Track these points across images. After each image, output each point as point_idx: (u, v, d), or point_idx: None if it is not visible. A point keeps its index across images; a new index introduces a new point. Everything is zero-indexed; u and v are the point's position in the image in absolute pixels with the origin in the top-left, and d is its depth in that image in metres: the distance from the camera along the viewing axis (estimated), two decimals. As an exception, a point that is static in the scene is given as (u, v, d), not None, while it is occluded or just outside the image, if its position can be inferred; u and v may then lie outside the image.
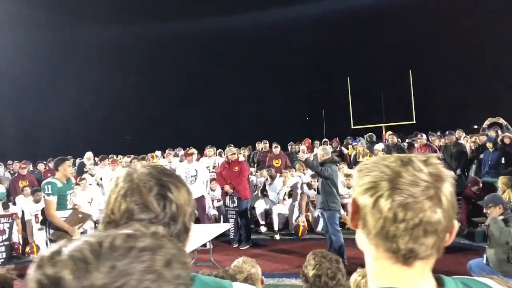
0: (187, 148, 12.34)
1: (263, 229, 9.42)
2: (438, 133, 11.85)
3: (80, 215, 5.70)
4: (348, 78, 22.83)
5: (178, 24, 30.00)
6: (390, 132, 11.62)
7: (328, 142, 12.24)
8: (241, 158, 8.89)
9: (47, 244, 8.12)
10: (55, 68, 27.03)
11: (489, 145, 8.68)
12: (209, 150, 11.40)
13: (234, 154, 8.45)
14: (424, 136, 9.98)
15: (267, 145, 12.12)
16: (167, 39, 30.03)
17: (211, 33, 29.97)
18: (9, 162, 13.41)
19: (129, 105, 29.30)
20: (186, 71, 31.14)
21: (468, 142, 9.99)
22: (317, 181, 7.55)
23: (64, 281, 0.52)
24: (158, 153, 11.15)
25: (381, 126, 21.05)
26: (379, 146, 10.80)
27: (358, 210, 0.99)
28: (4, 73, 23.72)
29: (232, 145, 10.91)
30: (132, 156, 11.10)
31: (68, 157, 6.32)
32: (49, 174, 10.76)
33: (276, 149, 11.03)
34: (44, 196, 5.56)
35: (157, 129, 29.59)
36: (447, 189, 0.93)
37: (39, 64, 25.65)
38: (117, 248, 0.55)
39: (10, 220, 8.29)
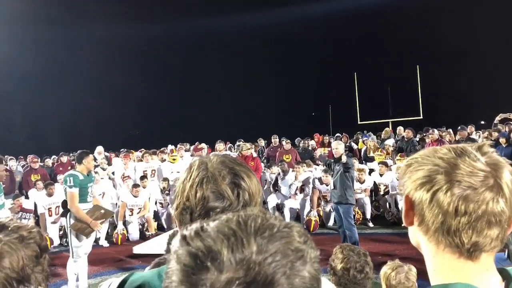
0: (197, 143, 12.41)
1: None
2: (450, 130, 11.81)
3: (102, 211, 5.78)
4: (355, 73, 22.75)
5: (187, 21, 30.05)
6: (400, 127, 11.59)
7: (340, 137, 12.22)
8: (255, 154, 8.93)
9: (64, 236, 8.19)
10: (64, 63, 27.11)
11: (502, 140, 8.65)
12: (219, 145, 11.42)
13: (249, 149, 8.49)
14: (436, 131, 9.96)
15: (277, 140, 12.11)
16: (174, 36, 30.07)
17: (220, 30, 29.98)
18: (20, 156, 13.49)
19: (136, 100, 29.37)
20: (194, 66, 31.13)
21: (480, 137, 9.96)
22: (331, 176, 7.57)
23: (219, 253, 0.53)
24: (170, 147, 11.15)
25: (388, 122, 20.99)
26: (390, 141, 10.78)
27: (412, 206, 0.96)
28: (14, 68, 23.80)
29: (242, 140, 10.95)
30: (144, 150, 11.12)
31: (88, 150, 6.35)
32: (60, 168, 10.84)
33: (287, 145, 11.04)
34: (66, 188, 5.60)
35: (164, 124, 29.67)
36: (507, 176, 0.90)
37: (48, 59, 25.71)
38: (261, 226, 0.56)
39: (30, 215, 8.45)
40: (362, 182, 8.89)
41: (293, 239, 0.57)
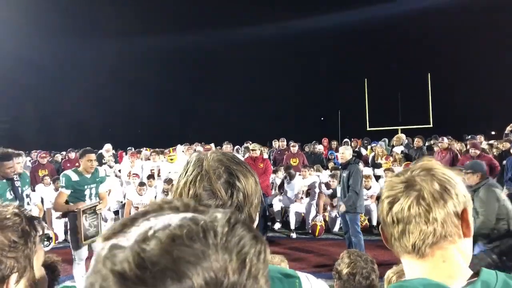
0: (199, 143, 12.44)
1: (277, 225, 9.41)
2: (467, 137, 11.70)
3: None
4: (366, 79, 22.65)
5: (204, 31, 30.33)
6: (402, 135, 11.53)
7: (349, 143, 12.17)
8: (266, 155, 8.87)
9: (65, 233, 8.22)
10: (74, 62, 27.35)
11: (513, 151, 8.56)
12: (226, 146, 11.40)
13: (256, 150, 8.44)
14: (445, 139, 9.86)
15: (284, 143, 12.08)
16: (184, 40, 30.26)
17: (234, 37, 30.17)
18: (33, 151, 13.61)
19: (147, 99, 29.55)
20: (205, 69, 31.31)
21: (493, 148, 9.81)
22: (339, 183, 7.52)
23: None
24: (180, 147, 11.16)
25: (397, 129, 20.87)
26: (398, 149, 10.70)
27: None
28: (26, 64, 24.03)
29: (250, 142, 10.93)
30: (152, 149, 11.15)
31: (90, 149, 5.90)
32: (68, 164, 10.90)
33: (294, 148, 11.00)
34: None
35: (172, 124, 29.79)
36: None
37: (59, 57, 25.95)
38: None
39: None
40: (368, 189, 8.82)
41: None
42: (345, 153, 6.82)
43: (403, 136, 11.73)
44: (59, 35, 25.94)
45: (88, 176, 5.48)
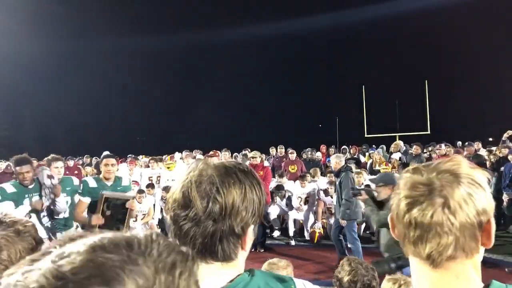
0: (198, 151, 12.42)
1: (276, 233, 9.41)
2: (459, 143, 11.73)
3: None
4: (363, 86, 22.74)
5: (195, 32, 30.32)
6: (400, 142, 11.56)
7: (348, 149, 12.19)
8: (266, 163, 8.87)
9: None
10: (74, 69, 27.37)
11: (511, 157, 8.58)
12: (224, 154, 11.41)
13: (256, 158, 8.45)
14: (443, 146, 9.90)
15: (283, 150, 12.08)
16: (179, 45, 30.31)
17: (229, 40, 30.19)
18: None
19: (146, 106, 29.57)
20: (200, 76, 31.33)
21: (491, 154, 9.83)
22: (334, 191, 7.54)
23: None
24: (178, 155, 11.16)
25: (395, 136, 20.92)
26: (396, 156, 10.73)
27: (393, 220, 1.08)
28: (26, 72, 24.04)
29: (249, 150, 10.94)
30: (151, 157, 11.15)
31: (109, 153, 5.53)
32: (67, 172, 10.88)
33: (292, 155, 11.00)
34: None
35: (170, 132, 29.76)
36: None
37: (59, 64, 25.97)
38: None
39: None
40: (360, 185, 8.88)
41: None
42: (337, 161, 6.90)
43: (401, 143, 11.77)
44: (53, 39, 25.91)
45: (109, 183, 5.02)
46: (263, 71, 29.80)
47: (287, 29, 30.44)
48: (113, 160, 5.07)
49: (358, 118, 22.89)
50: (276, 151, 12.25)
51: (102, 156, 5.42)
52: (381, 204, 4.79)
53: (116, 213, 4.76)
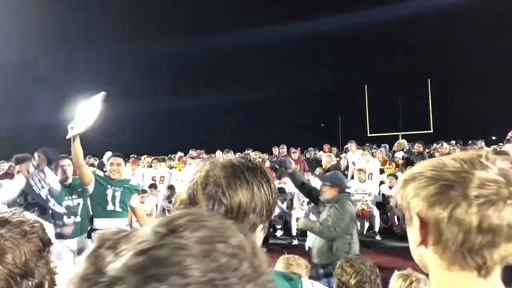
0: (201, 150, 12.42)
1: (279, 233, 9.39)
2: (460, 141, 11.69)
3: None
4: (366, 85, 22.71)
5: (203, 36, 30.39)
6: (404, 141, 11.52)
7: (349, 149, 12.14)
8: (267, 164, 8.84)
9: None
10: (74, 64, 27.41)
11: (514, 156, 8.53)
12: (227, 155, 11.41)
13: (261, 158, 8.45)
14: (446, 144, 9.86)
15: (285, 149, 12.04)
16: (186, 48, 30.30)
17: (230, 43, 30.20)
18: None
19: (147, 106, 29.57)
20: (203, 75, 31.36)
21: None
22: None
23: None
24: (180, 154, 11.16)
25: (398, 135, 20.89)
26: (399, 154, 10.69)
27: (424, 225, 0.92)
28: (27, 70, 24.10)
29: (251, 149, 10.92)
30: (153, 157, 11.13)
31: (118, 153, 5.19)
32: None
33: (295, 154, 10.98)
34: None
35: (171, 132, 29.76)
36: None
37: (58, 57, 26.02)
38: None
39: None
40: (362, 182, 8.90)
41: None
42: (327, 160, 6.99)
43: (404, 141, 11.71)
44: (56, 42, 25.99)
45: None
46: (264, 71, 29.81)
47: (291, 30, 30.44)
48: (119, 160, 4.88)
49: (361, 117, 22.88)
50: (279, 151, 12.23)
51: (109, 156, 5.35)
52: (317, 200, 4.69)
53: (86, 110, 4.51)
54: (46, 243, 1.02)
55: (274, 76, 30.39)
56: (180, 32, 30.08)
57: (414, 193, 0.93)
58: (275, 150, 12.51)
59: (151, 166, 10.47)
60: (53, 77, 25.97)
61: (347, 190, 5.02)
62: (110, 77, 27.28)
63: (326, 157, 7.38)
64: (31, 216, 1.02)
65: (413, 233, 0.94)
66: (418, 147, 10.26)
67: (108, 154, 11.41)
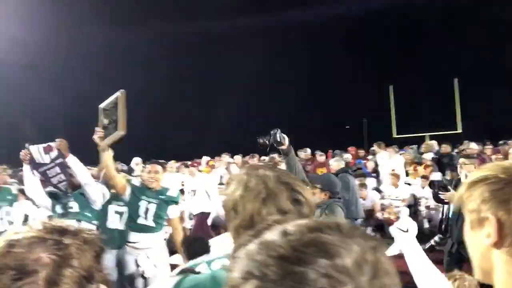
0: (227, 154, 12.44)
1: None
2: (489, 142, 11.43)
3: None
4: (391, 86, 22.43)
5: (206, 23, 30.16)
6: (433, 142, 11.31)
7: (374, 151, 12.03)
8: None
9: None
10: (101, 73, 27.84)
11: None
12: (252, 159, 11.41)
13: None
14: (475, 145, 9.64)
15: (308, 153, 12.00)
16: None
17: (249, 43, 30.14)
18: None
19: (173, 110, 29.77)
20: (219, 78, 31.38)
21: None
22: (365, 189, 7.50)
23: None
24: (205, 159, 11.22)
25: (425, 136, 20.55)
26: (428, 156, 10.51)
27: (502, 227, 0.92)
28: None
29: (277, 154, 10.87)
30: (180, 162, 11.23)
31: (156, 160, 4.91)
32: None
33: (321, 157, 10.94)
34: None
35: (197, 136, 29.89)
36: None
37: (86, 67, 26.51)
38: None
39: None
40: (396, 187, 8.84)
41: None
42: (333, 164, 7.01)
43: (433, 142, 11.52)
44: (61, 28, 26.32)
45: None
46: (287, 71, 29.66)
47: (313, 27, 30.18)
48: (157, 167, 4.59)
49: (386, 118, 22.59)
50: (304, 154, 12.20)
51: (138, 161, 5.40)
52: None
53: (111, 115, 4.18)
54: (101, 250, 1.06)
55: (293, 77, 30.20)
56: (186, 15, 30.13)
57: (488, 194, 0.93)
58: (301, 153, 12.47)
59: (177, 171, 10.56)
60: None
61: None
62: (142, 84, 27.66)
63: (334, 161, 7.33)
64: (72, 223, 1.08)
65: (482, 235, 0.95)
66: (445, 148, 10.10)
67: (137, 159, 11.53)
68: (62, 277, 0.92)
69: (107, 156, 4.18)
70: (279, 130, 3.69)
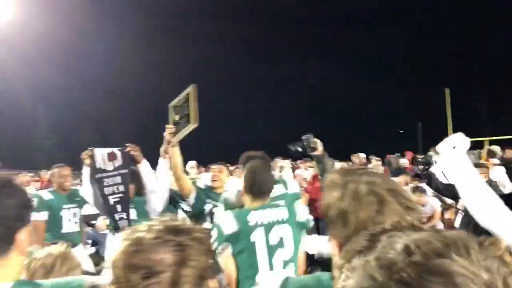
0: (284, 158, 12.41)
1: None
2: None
3: None
4: (448, 89, 21.67)
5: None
6: (496, 147, 10.77)
7: (432, 156, 11.61)
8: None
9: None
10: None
11: None
12: (305, 164, 11.34)
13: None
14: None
15: (362, 158, 11.77)
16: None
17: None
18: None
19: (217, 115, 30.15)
20: (280, 78, 31.42)
21: None
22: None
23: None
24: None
25: (483, 140, 19.67)
26: (496, 161, 10.03)
27: None
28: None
29: (332, 159, 10.77)
30: (236, 165, 11.31)
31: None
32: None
33: (378, 162, 10.73)
34: None
35: (242, 139, 30.08)
36: None
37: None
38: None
39: None
40: None
41: None
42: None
43: (497, 148, 10.98)
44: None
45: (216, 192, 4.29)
46: (342, 77, 29.36)
47: (366, 33, 29.83)
48: (222, 167, 4.39)
49: (442, 122, 21.84)
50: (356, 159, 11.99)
51: (193, 165, 5.15)
52: None
53: (183, 110, 3.96)
54: (212, 248, 1.12)
55: (350, 82, 29.85)
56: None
57: None
58: (355, 158, 12.27)
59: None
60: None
61: None
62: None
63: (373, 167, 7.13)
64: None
65: None
66: (509, 153, 9.59)
67: (192, 163, 11.67)
68: (183, 277, 0.97)
69: (176, 153, 3.89)
70: (311, 135, 3.42)
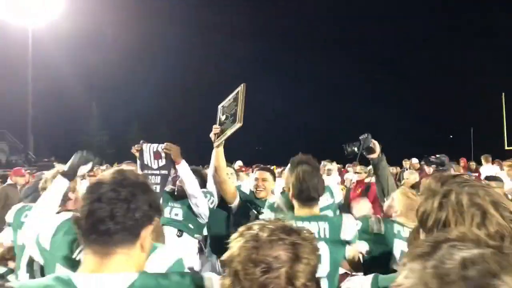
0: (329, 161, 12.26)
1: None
2: None
3: None
4: (503, 93, 20.80)
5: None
6: None
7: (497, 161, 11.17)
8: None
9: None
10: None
11: None
12: (354, 168, 11.13)
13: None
14: None
15: (416, 163, 11.45)
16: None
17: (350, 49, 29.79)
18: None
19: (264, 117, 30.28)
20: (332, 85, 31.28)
21: None
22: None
23: None
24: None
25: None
26: None
27: None
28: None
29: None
30: (282, 167, 11.28)
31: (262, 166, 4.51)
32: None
33: (429, 169, 10.35)
34: None
35: (286, 141, 30.06)
36: None
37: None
38: None
39: None
40: None
41: None
42: (412, 177, 6.59)
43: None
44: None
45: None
46: (388, 76, 28.83)
47: (417, 41, 29.19)
48: (265, 174, 3.95)
49: (496, 128, 20.98)
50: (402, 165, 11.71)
51: (239, 165, 4.91)
52: None
53: (230, 110, 3.76)
54: (316, 247, 1.16)
55: (397, 87, 29.25)
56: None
57: None
58: (406, 163, 11.97)
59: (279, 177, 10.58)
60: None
61: None
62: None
63: (409, 174, 6.88)
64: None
65: None
66: None
67: (239, 163, 11.68)
68: (298, 273, 1.04)
69: (220, 155, 3.61)
70: (369, 135, 3.08)
